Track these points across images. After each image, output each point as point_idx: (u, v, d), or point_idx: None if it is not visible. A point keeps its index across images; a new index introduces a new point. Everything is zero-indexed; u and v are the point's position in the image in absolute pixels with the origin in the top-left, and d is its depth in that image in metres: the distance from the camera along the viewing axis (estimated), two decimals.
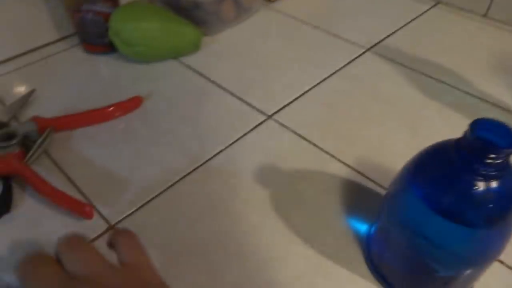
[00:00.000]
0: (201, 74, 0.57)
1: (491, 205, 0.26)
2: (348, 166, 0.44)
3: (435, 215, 0.27)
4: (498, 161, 0.24)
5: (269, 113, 0.50)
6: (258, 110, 0.51)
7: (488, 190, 0.25)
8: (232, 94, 0.53)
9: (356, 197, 0.41)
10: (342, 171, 0.43)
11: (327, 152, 0.45)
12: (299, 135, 0.47)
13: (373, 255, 0.34)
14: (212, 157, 0.45)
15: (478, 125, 0.25)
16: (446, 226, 0.27)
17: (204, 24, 0.63)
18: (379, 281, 0.34)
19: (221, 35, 0.65)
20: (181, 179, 0.42)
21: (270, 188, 0.42)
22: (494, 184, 0.25)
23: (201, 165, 0.44)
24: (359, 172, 0.43)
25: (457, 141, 0.26)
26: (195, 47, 0.59)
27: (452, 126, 0.48)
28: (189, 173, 0.43)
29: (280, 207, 0.40)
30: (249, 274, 0.35)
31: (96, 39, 0.59)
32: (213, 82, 0.55)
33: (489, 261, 0.29)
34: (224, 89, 0.54)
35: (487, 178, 0.25)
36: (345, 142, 0.46)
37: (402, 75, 0.56)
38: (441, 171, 0.27)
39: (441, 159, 0.27)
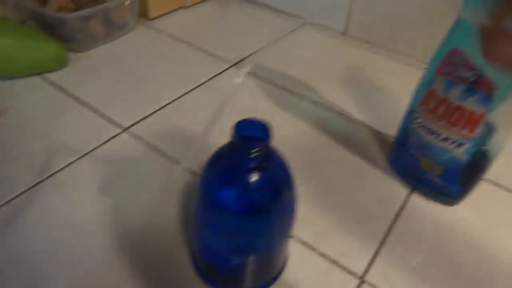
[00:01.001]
0: (63, 90, 0.57)
1: (267, 191, 0.29)
2: (192, 172, 0.46)
3: (221, 208, 0.30)
4: (261, 153, 0.28)
5: (125, 126, 0.52)
6: (115, 123, 0.52)
7: (261, 179, 0.28)
8: (92, 109, 0.54)
9: (191, 197, 0.43)
10: (186, 176, 0.45)
11: (174, 160, 0.47)
12: (150, 145, 0.49)
13: (195, 252, 0.37)
14: (57, 171, 0.45)
15: (240, 125, 0.28)
16: (231, 217, 0.30)
17: (72, 41, 0.63)
18: (199, 275, 0.36)
19: (92, 52, 0.65)
20: (20, 194, 0.42)
21: (112, 197, 0.43)
22: (264, 173, 0.28)
23: (44, 179, 0.44)
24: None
25: (229, 142, 0.29)
26: (58, 63, 0.59)
27: (297, 133, 0.53)
28: (29, 188, 0.43)
29: (119, 215, 0.41)
30: (76, 281, 0.35)
31: None
32: (75, 97, 0.56)
33: (281, 237, 0.32)
34: (85, 104, 0.55)
35: (257, 169, 0.28)
36: (194, 149, 0.49)
37: (261, 88, 0.61)
38: (221, 168, 0.30)
39: (222, 158, 0.30)
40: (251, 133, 0.28)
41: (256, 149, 0.27)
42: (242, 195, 0.29)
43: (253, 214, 0.30)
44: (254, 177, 0.28)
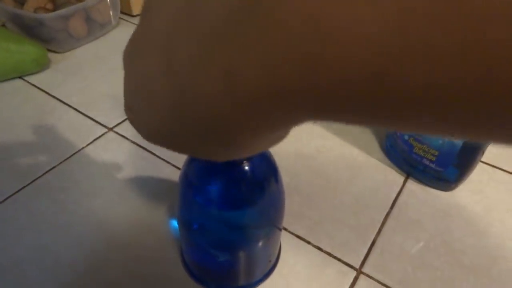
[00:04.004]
0: (45, 92, 0.55)
1: (251, 184, 0.28)
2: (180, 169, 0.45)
3: (205, 205, 0.28)
4: None
5: (111, 126, 0.50)
6: (100, 123, 0.50)
7: (243, 171, 0.27)
8: (75, 109, 0.52)
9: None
10: (175, 175, 0.44)
11: (162, 159, 0.46)
12: (137, 144, 0.48)
13: (184, 252, 0.35)
14: (42, 175, 0.43)
15: None
16: (216, 214, 0.28)
17: (53, 41, 0.61)
18: (191, 276, 0.35)
19: (74, 52, 0.64)
20: (5, 199, 0.41)
21: (100, 199, 0.41)
22: (246, 166, 0.27)
23: (29, 183, 0.42)
24: None
25: None
26: (39, 65, 0.57)
27: None
28: (14, 193, 0.41)
29: (107, 216, 0.40)
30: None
31: None
32: (57, 99, 0.54)
33: (269, 231, 0.31)
34: (68, 105, 0.53)
35: (239, 162, 0.27)
36: None
37: None
38: (202, 162, 0.28)
39: None
40: None
41: None
42: (224, 189, 0.28)
43: (237, 208, 0.28)
44: (236, 170, 0.27)
